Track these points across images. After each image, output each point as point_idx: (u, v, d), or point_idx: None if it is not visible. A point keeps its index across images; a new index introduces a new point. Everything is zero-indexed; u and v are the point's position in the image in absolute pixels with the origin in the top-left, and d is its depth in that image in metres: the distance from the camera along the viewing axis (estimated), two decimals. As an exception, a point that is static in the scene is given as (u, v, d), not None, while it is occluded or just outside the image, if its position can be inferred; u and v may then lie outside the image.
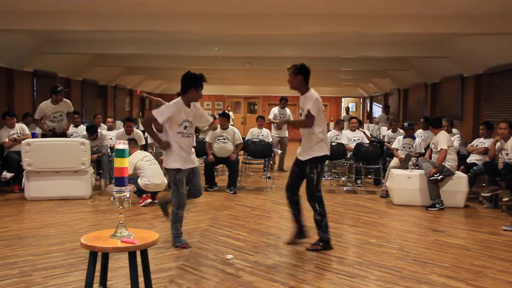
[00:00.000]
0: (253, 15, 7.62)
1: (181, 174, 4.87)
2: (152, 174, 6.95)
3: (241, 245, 5.15)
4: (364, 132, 10.08)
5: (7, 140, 8.33)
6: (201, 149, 8.47)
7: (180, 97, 4.94)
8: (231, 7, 7.31)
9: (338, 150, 9.25)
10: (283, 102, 11.28)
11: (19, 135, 8.43)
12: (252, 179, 10.22)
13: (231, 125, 9.31)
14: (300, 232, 5.21)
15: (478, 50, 9.52)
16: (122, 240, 3.02)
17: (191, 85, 4.83)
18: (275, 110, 11.37)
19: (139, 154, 7.23)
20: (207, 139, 8.60)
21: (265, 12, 7.50)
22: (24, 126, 8.72)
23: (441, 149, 7.19)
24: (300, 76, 5.03)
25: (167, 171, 5.01)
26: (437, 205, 7.13)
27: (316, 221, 5.02)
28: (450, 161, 7.25)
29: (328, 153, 5.04)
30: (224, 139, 8.51)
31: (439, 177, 7.12)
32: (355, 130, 9.87)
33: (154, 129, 5.25)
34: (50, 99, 8.38)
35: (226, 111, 9.52)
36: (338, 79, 18.51)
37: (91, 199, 7.64)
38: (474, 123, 10.13)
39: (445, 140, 7.24)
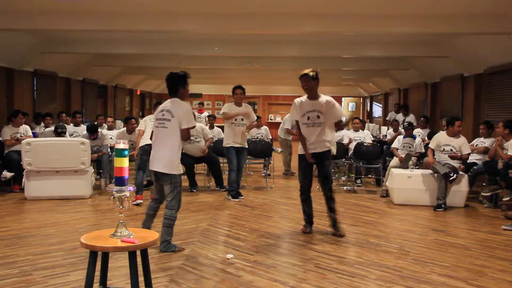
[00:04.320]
0: (253, 15, 7.61)
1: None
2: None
3: (241, 245, 5.16)
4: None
5: (9, 138, 8.35)
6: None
7: (175, 99, 4.85)
8: (231, 6, 7.31)
9: (339, 150, 9.26)
10: None
11: (22, 135, 8.45)
12: (252, 178, 10.22)
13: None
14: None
15: (478, 49, 9.51)
16: (122, 239, 3.02)
17: (179, 84, 4.87)
18: (291, 119, 10.90)
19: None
20: None
21: (265, 11, 7.50)
22: (27, 127, 8.75)
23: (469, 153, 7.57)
24: (317, 81, 5.51)
25: (171, 177, 4.70)
26: (442, 206, 7.14)
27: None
28: (459, 163, 7.45)
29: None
30: (195, 137, 8.39)
31: (455, 176, 7.17)
32: (358, 131, 9.86)
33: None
34: None
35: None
36: (338, 79, 18.50)
37: (91, 199, 7.65)
38: (474, 123, 10.12)
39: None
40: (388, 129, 11.91)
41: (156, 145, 4.83)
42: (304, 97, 5.63)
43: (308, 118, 5.53)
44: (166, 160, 4.70)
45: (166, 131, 4.74)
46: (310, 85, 5.50)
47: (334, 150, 5.70)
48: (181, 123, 4.71)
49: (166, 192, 4.77)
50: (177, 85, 4.86)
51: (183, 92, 4.89)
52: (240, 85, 7.88)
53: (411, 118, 11.87)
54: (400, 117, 12.22)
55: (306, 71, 5.51)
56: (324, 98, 5.59)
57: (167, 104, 4.87)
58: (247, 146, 7.99)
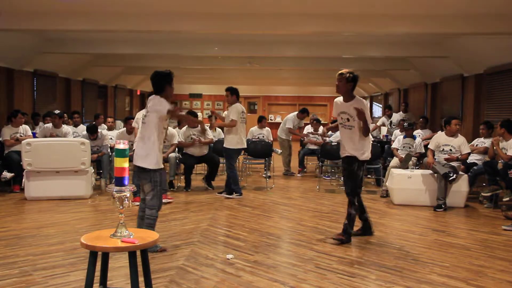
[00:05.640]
0: (253, 15, 7.61)
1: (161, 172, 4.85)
2: None
3: (241, 245, 5.16)
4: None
5: (9, 138, 8.35)
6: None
7: (154, 96, 4.82)
8: (231, 7, 7.31)
9: (337, 150, 9.26)
10: (304, 114, 11.08)
11: (22, 135, 8.45)
12: (252, 179, 10.22)
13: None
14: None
15: (478, 49, 9.52)
16: (122, 239, 3.02)
17: (166, 82, 4.83)
18: (293, 119, 11.01)
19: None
20: (179, 139, 8.60)
21: (265, 11, 7.50)
22: (27, 127, 8.75)
23: (468, 152, 7.56)
24: (351, 84, 5.35)
25: (151, 174, 4.70)
26: (443, 206, 7.13)
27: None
28: (459, 163, 7.46)
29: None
30: (196, 137, 8.51)
31: (454, 176, 7.16)
32: None
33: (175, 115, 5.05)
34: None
35: (193, 110, 9.43)
36: (338, 79, 18.49)
37: (91, 199, 7.65)
38: (474, 123, 10.12)
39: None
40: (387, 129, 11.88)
41: (137, 141, 4.89)
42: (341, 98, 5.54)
43: (341, 118, 5.49)
44: (144, 154, 4.72)
45: (143, 126, 4.80)
46: (338, 85, 5.43)
47: (360, 156, 5.42)
48: (158, 112, 4.69)
49: (146, 191, 4.77)
50: (163, 83, 4.82)
51: (170, 90, 4.86)
52: (229, 87, 7.94)
53: (393, 118, 11.83)
54: (385, 119, 12.23)
55: (342, 70, 5.43)
56: (354, 101, 5.36)
57: (148, 103, 4.91)
58: (224, 145, 7.88)
